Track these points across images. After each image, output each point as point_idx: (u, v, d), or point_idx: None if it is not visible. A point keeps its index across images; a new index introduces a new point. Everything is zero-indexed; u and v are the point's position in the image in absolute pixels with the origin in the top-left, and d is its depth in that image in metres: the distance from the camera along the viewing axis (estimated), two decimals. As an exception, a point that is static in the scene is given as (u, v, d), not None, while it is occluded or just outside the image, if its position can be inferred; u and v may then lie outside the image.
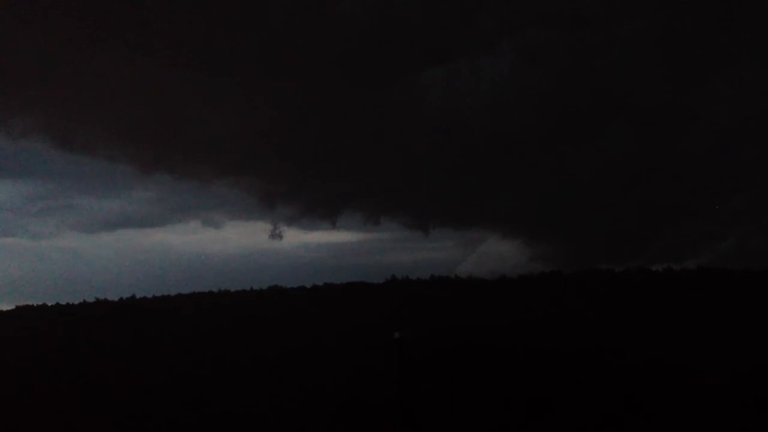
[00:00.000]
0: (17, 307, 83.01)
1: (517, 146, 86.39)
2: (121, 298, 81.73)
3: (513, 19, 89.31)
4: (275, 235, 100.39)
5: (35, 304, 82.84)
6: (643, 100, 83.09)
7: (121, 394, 49.25)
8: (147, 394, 48.26)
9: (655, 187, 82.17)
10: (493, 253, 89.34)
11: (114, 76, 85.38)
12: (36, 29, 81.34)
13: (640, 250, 78.96)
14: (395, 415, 33.93)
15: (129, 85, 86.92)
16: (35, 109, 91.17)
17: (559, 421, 31.04)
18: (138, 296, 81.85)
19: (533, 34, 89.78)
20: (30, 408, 41.44)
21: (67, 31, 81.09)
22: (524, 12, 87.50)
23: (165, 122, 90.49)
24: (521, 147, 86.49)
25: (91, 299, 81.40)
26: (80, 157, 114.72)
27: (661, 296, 58.60)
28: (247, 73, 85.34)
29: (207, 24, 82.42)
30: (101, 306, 79.47)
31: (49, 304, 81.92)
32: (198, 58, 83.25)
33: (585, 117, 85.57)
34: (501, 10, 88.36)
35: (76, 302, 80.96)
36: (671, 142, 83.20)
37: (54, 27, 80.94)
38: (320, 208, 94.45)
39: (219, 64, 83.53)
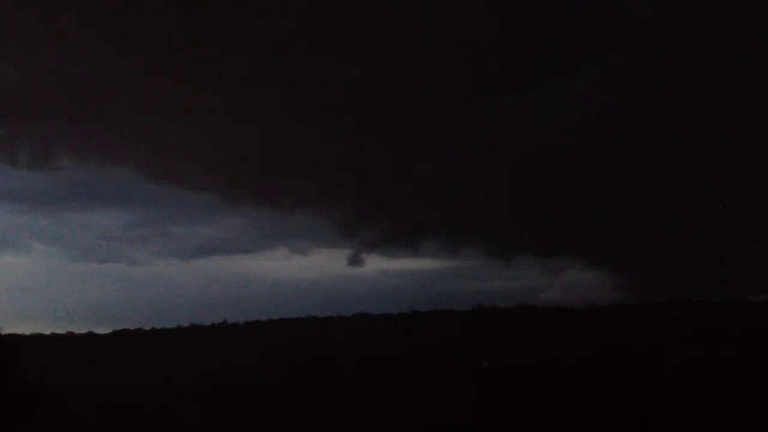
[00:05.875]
0: (114, 332, 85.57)
1: (599, 172, 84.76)
2: (213, 323, 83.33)
3: (593, 43, 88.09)
4: (355, 261, 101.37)
5: (132, 328, 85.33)
6: (730, 124, 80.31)
7: (212, 417, 50.39)
8: (236, 416, 49.29)
9: (746, 213, 78.73)
10: (576, 282, 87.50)
11: (205, 110, 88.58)
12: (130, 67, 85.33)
13: (732, 279, 75.74)
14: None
15: (217, 120, 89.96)
16: (132, 142, 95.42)
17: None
18: (229, 321, 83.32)
19: (614, 59, 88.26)
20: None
21: (166, 68, 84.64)
22: (604, 36, 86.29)
23: (250, 155, 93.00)
24: (604, 173, 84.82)
25: (185, 324, 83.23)
26: (173, 188, 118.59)
27: (761, 329, 55.93)
28: (328, 106, 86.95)
29: (288, 59, 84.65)
30: (195, 330, 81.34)
31: (146, 329, 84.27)
32: (280, 94, 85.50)
33: (670, 142, 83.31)
34: (581, 35, 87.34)
35: (171, 326, 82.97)
36: (763, 167, 79.77)
37: (154, 65, 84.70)
38: (402, 236, 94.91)
39: (301, 99, 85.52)
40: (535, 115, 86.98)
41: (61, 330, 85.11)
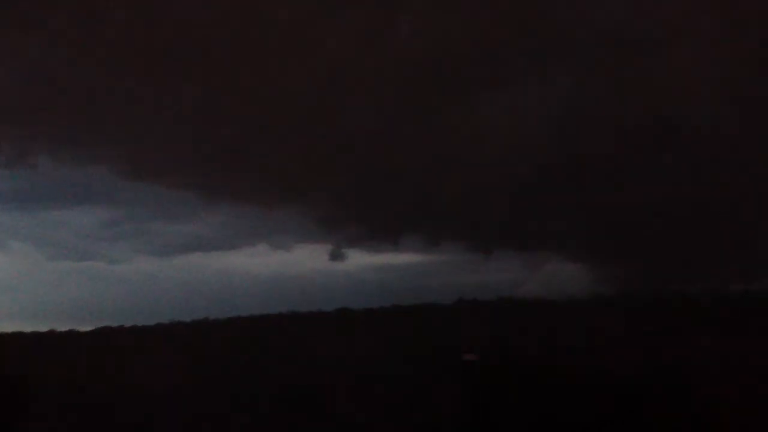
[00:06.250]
0: (95, 329, 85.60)
1: (578, 168, 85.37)
2: (194, 320, 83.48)
3: (570, 42, 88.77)
4: (336, 257, 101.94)
5: (113, 326, 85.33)
6: (707, 121, 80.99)
7: (193, 414, 50.41)
8: (218, 412, 49.31)
9: (726, 207, 79.30)
10: (557, 275, 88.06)
11: (178, 107, 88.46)
12: (105, 64, 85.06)
13: (711, 271, 76.39)
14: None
15: (191, 116, 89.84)
16: (110, 140, 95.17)
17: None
18: (210, 317, 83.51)
19: (591, 58, 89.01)
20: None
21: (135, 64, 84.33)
22: (581, 35, 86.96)
23: (229, 151, 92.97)
24: (582, 168, 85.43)
25: (165, 321, 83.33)
26: (151, 186, 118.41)
27: (739, 320, 56.65)
28: (308, 101, 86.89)
29: (266, 53, 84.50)
30: (175, 327, 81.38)
31: (126, 326, 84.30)
32: (258, 88, 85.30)
33: (647, 139, 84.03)
34: (558, 33, 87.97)
35: (152, 323, 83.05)
36: (741, 162, 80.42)
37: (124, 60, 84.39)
38: (383, 231, 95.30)
39: (277, 93, 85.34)
40: (516, 109, 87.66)
41: (42, 328, 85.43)
